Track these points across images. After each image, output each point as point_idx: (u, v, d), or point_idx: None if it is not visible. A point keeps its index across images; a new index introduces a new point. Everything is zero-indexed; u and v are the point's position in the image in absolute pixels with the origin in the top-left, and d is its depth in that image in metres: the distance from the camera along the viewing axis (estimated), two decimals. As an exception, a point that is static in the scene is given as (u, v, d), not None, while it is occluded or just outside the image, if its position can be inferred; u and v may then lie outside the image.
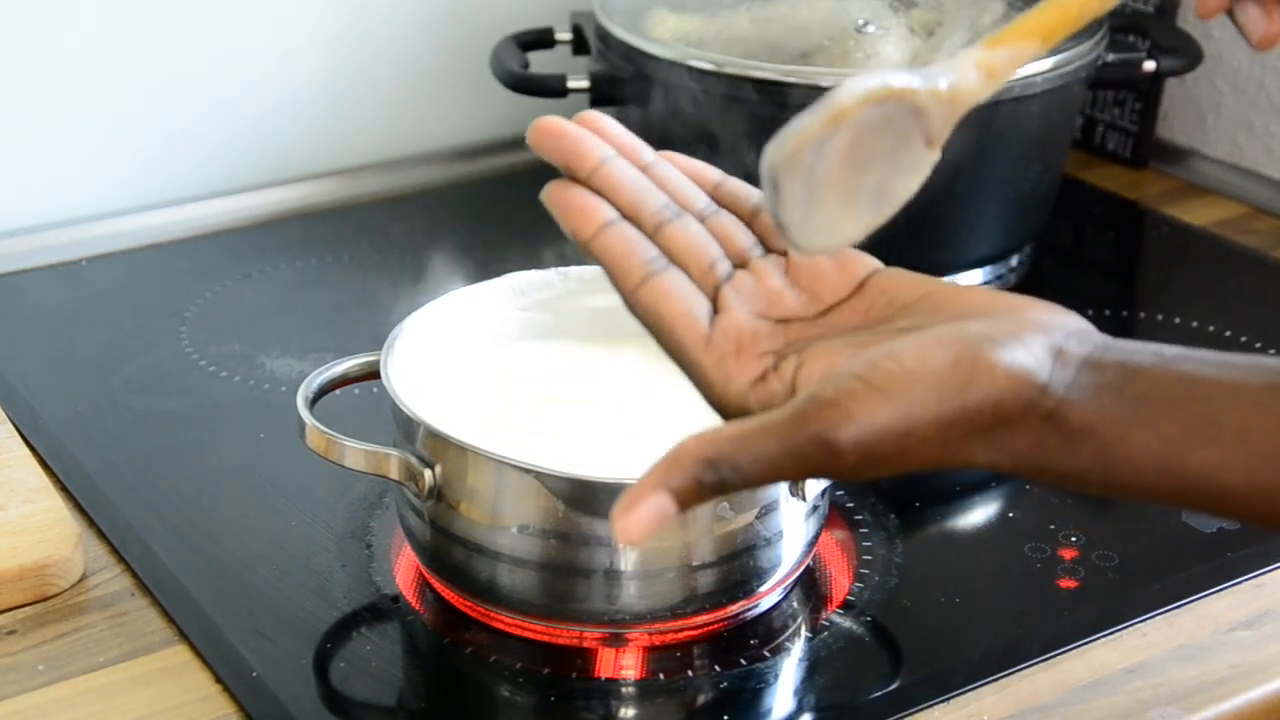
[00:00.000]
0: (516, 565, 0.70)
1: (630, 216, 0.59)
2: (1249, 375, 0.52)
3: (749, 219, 0.61)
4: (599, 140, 0.59)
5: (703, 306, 0.58)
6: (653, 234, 0.59)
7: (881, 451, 0.51)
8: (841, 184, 0.56)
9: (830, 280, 0.60)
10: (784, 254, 0.60)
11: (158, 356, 0.95)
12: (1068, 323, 0.55)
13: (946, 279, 0.60)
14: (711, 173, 0.63)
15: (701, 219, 0.61)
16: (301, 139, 1.17)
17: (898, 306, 0.58)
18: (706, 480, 0.51)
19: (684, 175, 0.62)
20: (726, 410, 0.57)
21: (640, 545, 0.57)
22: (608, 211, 0.59)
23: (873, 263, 0.60)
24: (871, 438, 0.51)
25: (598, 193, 0.59)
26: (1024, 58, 0.58)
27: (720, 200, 0.62)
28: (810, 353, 0.56)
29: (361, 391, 0.77)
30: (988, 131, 0.98)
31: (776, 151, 0.55)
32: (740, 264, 0.60)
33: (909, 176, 0.57)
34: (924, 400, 0.51)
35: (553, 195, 0.59)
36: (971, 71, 0.57)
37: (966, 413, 0.51)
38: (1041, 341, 0.53)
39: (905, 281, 0.59)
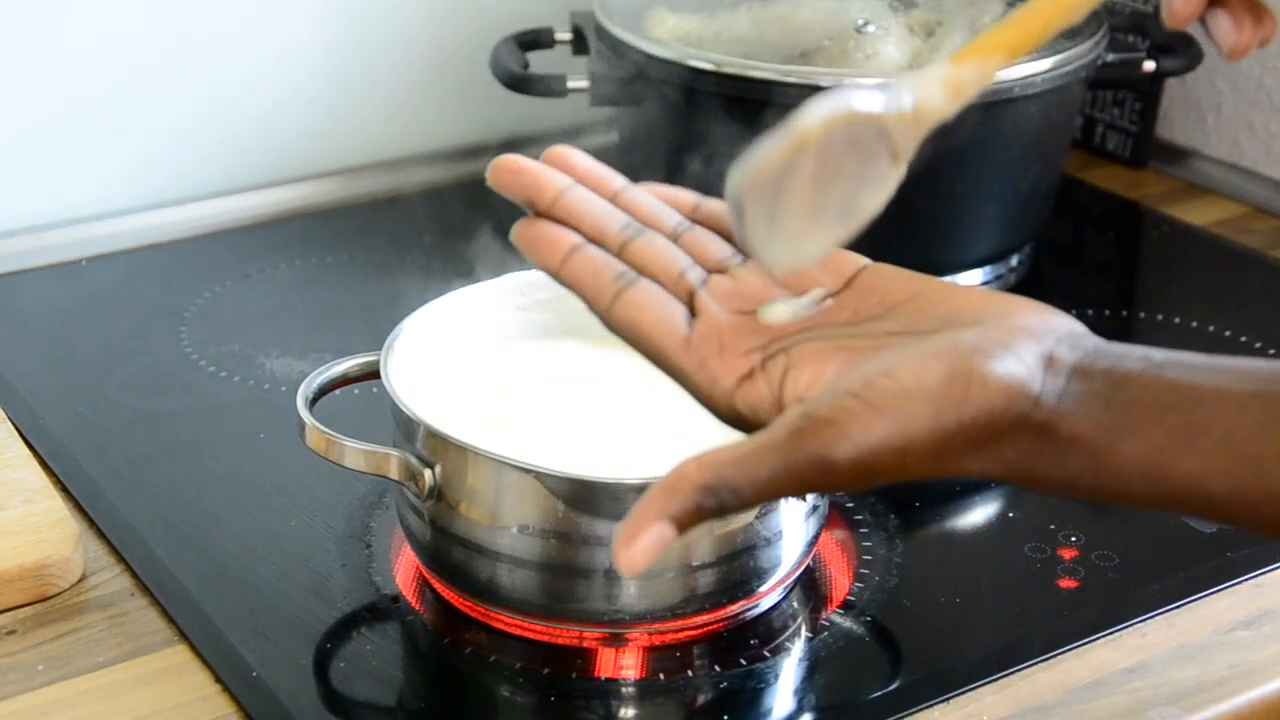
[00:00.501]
0: (516, 565, 0.70)
1: (595, 240, 0.60)
2: (1235, 381, 0.52)
3: (729, 233, 0.61)
4: (557, 173, 0.60)
5: (678, 311, 0.58)
6: (618, 253, 0.60)
7: (878, 467, 0.52)
8: (806, 202, 0.56)
9: (816, 279, 0.60)
10: None
11: (158, 356, 0.95)
12: (1058, 325, 0.55)
13: (946, 278, 0.60)
14: (688, 196, 0.63)
15: (675, 237, 0.61)
16: (301, 139, 1.17)
17: (888, 306, 0.58)
18: (706, 505, 0.52)
19: (656, 199, 0.62)
20: (715, 410, 0.58)
21: (642, 572, 0.57)
22: (572, 238, 0.59)
23: (861, 260, 0.60)
24: (869, 455, 0.51)
25: (561, 223, 0.59)
26: (990, 73, 0.58)
27: (699, 221, 0.62)
28: (798, 354, 0.56)
29: (361, 391, 0.77)
30: (988, 131, 0.98)
31: (740, 177, 0.55)
32: (719, 271, 0.60)
33: (875, 191, 0.57)
34: (920, 417, 0.51)
35: (519, 234, 0.60)
36: (937, 89, 0.57)
37: (962, 427, 0.52)
38: (1033, 349, 0.53)
39: (895, 280, 0.59)
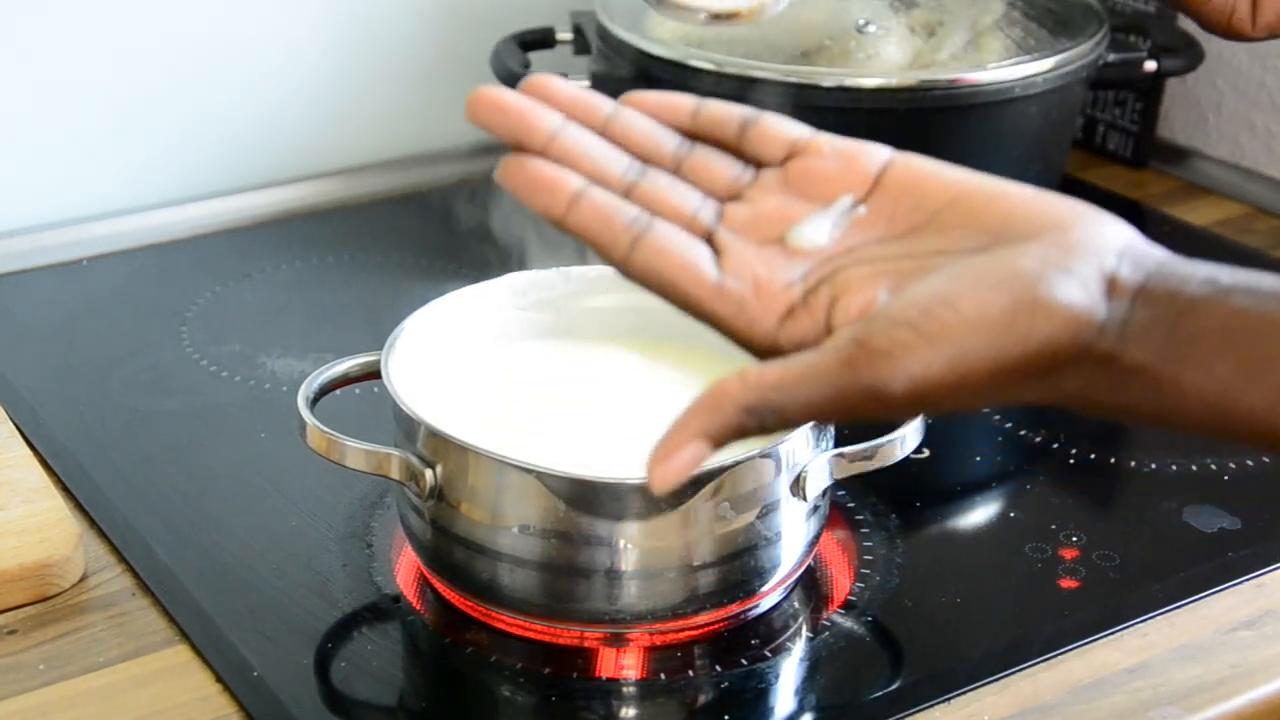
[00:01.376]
0: (517, 565, 0.70)
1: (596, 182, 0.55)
2: None
3: (736, 142, 0.58)
4: (547, 109, 0.55)
5: (703, 253, 0.54)
6: (623, 197, 0.55)
7: (932, 398, 0.50)
8: None
9: (837, 182, 0.56)
10: (782, 163, 0.57)
11: (158, 356, 0.95)
12: (1117, 238, 0.52)
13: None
14: (685, 102, 0.58)
15: (677, 164, 0.57)
16: (301, 139, 1.17)
17: (927, 212, 0.55)
18: (748, 425, 0.50)
19: (651, 119, 0.57)
20: (757, 351, 0.54)
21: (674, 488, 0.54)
22: (574, 181, 0.54)
23: (881, 153, 0.57)
24: (926, 387, 0.50)
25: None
26: None
27: (700, 130, 0.58)
28: (843, 282, 0.54)
29: (362, 391, 0.77)
30: (988, 131, 0.98)
31: None
32: (733, 196, 0.57)
33: None
34: (982, 350, 0.50)
35: (510, 174, 0.54)
36: None
37: (1025, 359, 0.50)
38: (1094, 271, 0.51)
39: (927, 177, 0.56)
